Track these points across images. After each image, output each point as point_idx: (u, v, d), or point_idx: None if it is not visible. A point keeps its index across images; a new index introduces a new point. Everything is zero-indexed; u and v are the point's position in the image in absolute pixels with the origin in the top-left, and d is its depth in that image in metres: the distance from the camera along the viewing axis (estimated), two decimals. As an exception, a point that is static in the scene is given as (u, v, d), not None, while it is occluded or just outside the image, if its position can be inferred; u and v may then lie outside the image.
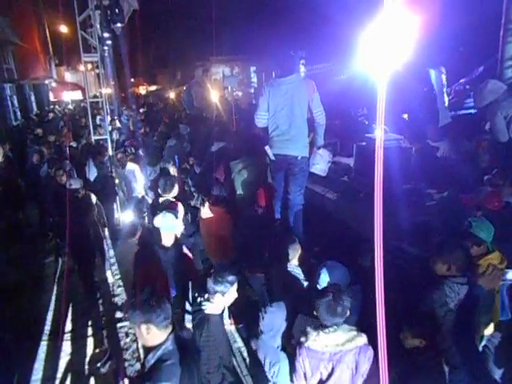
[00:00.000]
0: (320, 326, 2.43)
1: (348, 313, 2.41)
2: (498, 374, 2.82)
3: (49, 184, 6.38)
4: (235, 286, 2.78)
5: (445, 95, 5.51)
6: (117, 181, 7.76)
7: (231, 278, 2.75)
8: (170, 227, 3.64)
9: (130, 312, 2.10)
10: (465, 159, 4.78)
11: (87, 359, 2.13)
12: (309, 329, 2.47)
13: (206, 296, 2.81)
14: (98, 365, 2.07)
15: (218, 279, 2.73)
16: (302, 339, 2.47)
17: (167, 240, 3.66)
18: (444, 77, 5.51)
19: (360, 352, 2.32)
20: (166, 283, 3.51)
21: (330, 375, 2.39)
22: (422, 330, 2.38)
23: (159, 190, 4.55)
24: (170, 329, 2.12)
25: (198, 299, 2.85)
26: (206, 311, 2.75)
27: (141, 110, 17.27)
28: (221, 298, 2.75)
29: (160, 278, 3.45)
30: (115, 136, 10.42)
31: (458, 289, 2.49)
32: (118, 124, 12.27)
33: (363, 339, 2.36)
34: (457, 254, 2.57)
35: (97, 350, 2.16)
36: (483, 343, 2.64)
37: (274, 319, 2.98)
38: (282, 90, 3.98)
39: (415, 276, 3.20)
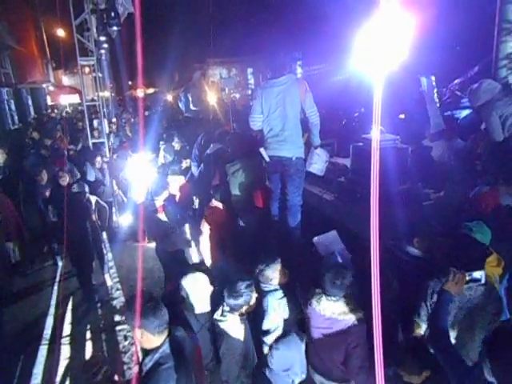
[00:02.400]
0: (324, 293, 2.79)
1: (345, 288, 2.73)
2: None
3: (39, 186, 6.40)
4: (254, 291, 2.84)
5: (436, 100, 5.55)
6: (115, 183, 7.77)
7: (246, 283, 2.80)
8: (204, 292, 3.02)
9: (127, 314, 2.10)
10: (460, 159, 4.79)
11: (82, 366, 2.10)
12: (317, 290, 2.86)
13: (225, 309, 2.85)
14: (93, 372, 2.06)
15: (233, 294, 2.75)
16: (312, 299, 2.86)
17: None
18: (433, 84, 5.56)
19: (351, 325, 2.66)
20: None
21: (324, 336, 2.79)
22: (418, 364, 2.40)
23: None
24: (165, 334, 2.11)
25: (217, 313, 2.88)
26: (226, 323, 2.79)
27: (146, 113, 17.21)
28: (245, 308, 2.82)
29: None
30: (112, 139, 10.41)
31: None
32: (113, 127, 12.24)
33: (358, 315, 2.69)
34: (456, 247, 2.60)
35: (92, 356, 2.16)
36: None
37: (284, 359, 2.85)
38: (274, 91, 3.97)
39: (412, 275, 3.21)
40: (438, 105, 5.52)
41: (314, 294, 2.86)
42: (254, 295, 2.86)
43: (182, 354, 2.10)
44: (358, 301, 2.77)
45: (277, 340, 2.91)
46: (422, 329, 2.66)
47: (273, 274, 3.14)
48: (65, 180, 5.76)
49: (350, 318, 2.69)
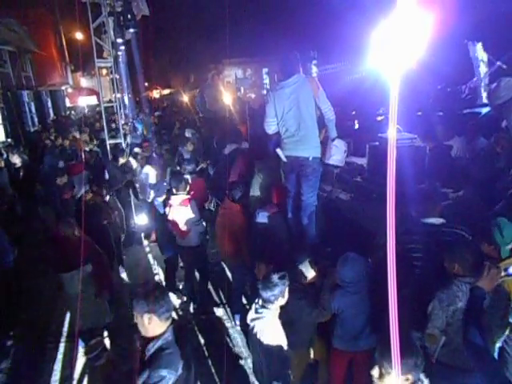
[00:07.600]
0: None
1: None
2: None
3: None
4: (287, 283, 2.82)
5: (481, 70, 5.04)
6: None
7: (280, 274, 2.79)
8: None
9: (135, 301, 2.16)
10: (480, 157, 4.68)
11: (85, 350, 2.16)
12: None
13: (258, 306, 2.81)
14: (95, 355, 2.11)
15: (268, 285, 2.73)
16: None
17: None
18: (481, 51, 5.11)
19: None
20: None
21: None
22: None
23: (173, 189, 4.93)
24: (169, 321, 2.22)
25: (250, 314, 2.87)
26: (267, 317, 2.74)
27: (156, 113, 17.44)
28: (281, 300, 2.78)
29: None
30: (129, 140, 10.54)
31: (465, 288, 2.43)
32: (127, 128, 12.38)
33: None
34: (464, 254, 2.52)
35: (92, 342, 2.20)
36: (498, 345, 2.56)
37: None
38: (285, 93, 3.97)
39: (428, 276, 3.15)
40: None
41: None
42: (287, 288, 2.84)
43: (183, 341, 2.21)
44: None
45: None
46: (438, 341, 2.56)
47: (306, 270, 3.15)
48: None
49: None
